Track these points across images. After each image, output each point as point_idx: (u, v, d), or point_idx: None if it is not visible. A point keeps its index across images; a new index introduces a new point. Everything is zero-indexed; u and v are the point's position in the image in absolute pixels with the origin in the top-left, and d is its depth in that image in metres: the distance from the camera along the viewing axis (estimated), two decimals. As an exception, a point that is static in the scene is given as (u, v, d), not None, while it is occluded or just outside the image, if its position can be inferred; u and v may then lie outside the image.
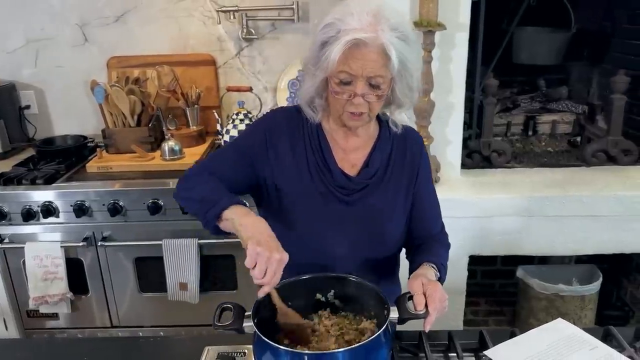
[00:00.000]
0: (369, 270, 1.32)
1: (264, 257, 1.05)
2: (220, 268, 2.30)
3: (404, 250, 1.45)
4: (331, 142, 1.33)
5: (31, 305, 2.27)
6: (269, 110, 1.46)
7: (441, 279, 1.29)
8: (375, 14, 1.14)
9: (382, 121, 1.37)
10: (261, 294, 1.08)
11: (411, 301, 1.11)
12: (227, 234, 1.21)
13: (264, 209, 1.37)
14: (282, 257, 1.07)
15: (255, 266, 1.05)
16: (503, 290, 3.02)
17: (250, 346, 1.08)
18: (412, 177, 1.37)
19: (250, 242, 1.07)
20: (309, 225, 1.29)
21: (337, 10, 1.18)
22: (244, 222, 1.13)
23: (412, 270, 1.32)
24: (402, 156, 1.37)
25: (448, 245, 1.44)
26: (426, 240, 1.40)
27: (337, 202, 1.31)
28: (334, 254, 1.29)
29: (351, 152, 1.34)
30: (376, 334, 1.02)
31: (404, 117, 1.35)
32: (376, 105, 1.23)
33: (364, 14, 1.14)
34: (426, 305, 1.09)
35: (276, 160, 1.30)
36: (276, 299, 1.13)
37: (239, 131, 2.40)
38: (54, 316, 2.39)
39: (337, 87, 1.19)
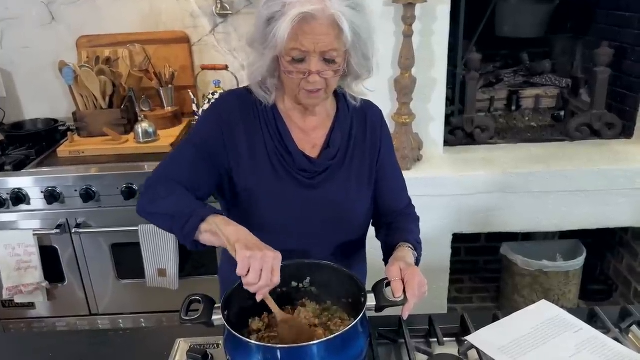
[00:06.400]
0: (338, 253, 1.28)
1: (257, 258, 0.97)
2: (200, 252, 2.24)
3: (371, 228, 1.41)
4: (288, 123, 1.25)
5: (5, 295, 2.21)
6: (217, 96, 1.36)
7: (418, 257, 1.25)
8: None
9: (339, 95, 1.30)
10: (260, 297, 1.00)
11: (389, 287, 1.07)
12: (206, 247, 1.10)
13: (228, 203, 1.28)
14: (276, 255, 1.00)
15: (248, 272, 0.97)
16: (487, 267, 3.02)
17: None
18: (374, 152, 1.31)
19: (239, 246, 0.99)
20: (275, 214, 1.22)
21: None
22: (226, 231, 1.04)
23: (386, 251, 1.28)
24: (362, 131, 1.31)
25: (418, 219, 1.39)
26: (395, 217, 1.35)
27: (301, 186, 1.24)
28: (303, 240, 1.23)
29: (310, 132, 1.27)
30: (352, 323, 0.97)
31: (363, 90, 1.28)
32: (333, 81, 1.16)
33: None
34: (405, 292, 1.05)
35: (233, 149, 1.22)
36: (273, 306, 1.06)
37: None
38: (30, 306, 2.33)
39: (290, 66, 1.12)
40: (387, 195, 1.35)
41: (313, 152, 1.26)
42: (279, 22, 1.05)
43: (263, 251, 0.99)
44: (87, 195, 2.11)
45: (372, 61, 1.19)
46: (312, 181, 1.25)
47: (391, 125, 2.24)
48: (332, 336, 0.95)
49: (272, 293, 1.06)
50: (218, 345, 1.15)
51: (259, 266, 0.97)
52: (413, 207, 1.42)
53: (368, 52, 1.16)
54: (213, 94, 2.39)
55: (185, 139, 1.27)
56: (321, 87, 1.15)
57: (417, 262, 1.22)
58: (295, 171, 1.24)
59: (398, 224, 1.33)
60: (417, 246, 1.25)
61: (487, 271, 3.01)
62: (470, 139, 2.46)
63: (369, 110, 1.33)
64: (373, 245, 1.37)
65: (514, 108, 2.68)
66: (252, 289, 0.99)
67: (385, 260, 1.28)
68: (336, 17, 1.05)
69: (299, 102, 1.21)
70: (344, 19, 1.05)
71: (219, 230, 1.04)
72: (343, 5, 1.06)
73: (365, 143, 1.30)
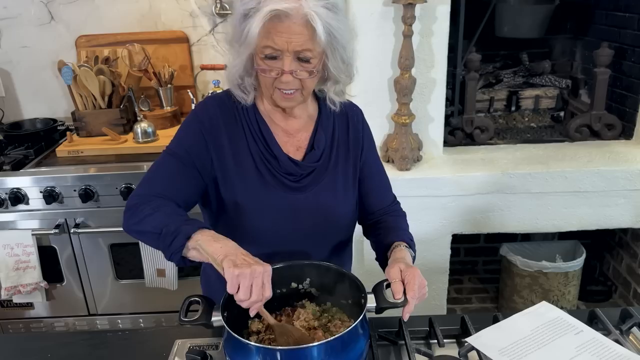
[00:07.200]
0: (327, 253, 1.28)
1: (246, 275, 0.95)
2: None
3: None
4: (271, 125, 1.24)
5: (3, 295, 2.21)
6: (197, 103, 1.33)
7: (414, 255, 1.24)
8: None
9: (320, 98, 1.29)
10: (253, 312, 0.99)
11: (389, 289, 1.06)
12: (194, 262, 1.08)
13: (213, 211, 1.26)
14: (265, 269, 0.98)
15: (238, 290, 0.95)
16: (486, 267, 3.02)
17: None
18: (357, 152, 1.31)
19: (226, 264, 0.97)
20: (263, 218, 1.20)
21: None
22: (213, 247, 1.01)
23: (380, 251, 1.27)
24: (345, 132, 1.30)
25: (405, 214, 1.39)
26: (383, 215, 1.35)
27: (288, 190, 1.23)
28: (291, 242, 1.23)
29: (294, 134, 1.26)
30: (353, 325, 0.97)
31: (344, 95, 1.27)
32: (309, 82, 1.14)
33: None
34: (405, 293, 1.05)
35: (219, 158, 1.20)
36: (269, 317, 1.05)
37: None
38: (29, 306, 2.33)
39: (263, 64, 1.10)
40: (372, 193, 1.35)
41: (297, 154, 1.25)
42: (252, 18, 1.05)
43: (251, 267, 0.96)
44: (86, 195, 2.11)
45: (352, 66, 1.18)
46: (298, 184, 1.24)
47: (391, 126, 2.24)
48: (332, 338, 0.95)
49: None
50: (217, 346, 1.14)
51: (249, 282, 0.95)
52: (398, 203, 1.42)
53: (346, 57, 1.14)
54: (212, 93, 2.38)
55: (166, 149, 1.22)
56: (295, 87, 1.13)
57: (413, 260, 1.22)
58: (281, 175, 1.22)
59: (388, 223, 1.33)
60: (411, 244, 1.25)
61: (486, 272, 3.00)
62: (470, 140, 2.46)
63: (350, 110, 1.33)
64: (369, 244, 1.37)
65: (513, 108, 2.67)
66: (244, 305, 0.97)
67: (379, 260, 1.28)
68: (309, 17, 1.04)
69: (275, 103, 1.20)
70: (317, 18, 1.04)
71: (203, 250, 1.02)
72: (318, 5, 1.05)
73: (349, 143, 1.30)
